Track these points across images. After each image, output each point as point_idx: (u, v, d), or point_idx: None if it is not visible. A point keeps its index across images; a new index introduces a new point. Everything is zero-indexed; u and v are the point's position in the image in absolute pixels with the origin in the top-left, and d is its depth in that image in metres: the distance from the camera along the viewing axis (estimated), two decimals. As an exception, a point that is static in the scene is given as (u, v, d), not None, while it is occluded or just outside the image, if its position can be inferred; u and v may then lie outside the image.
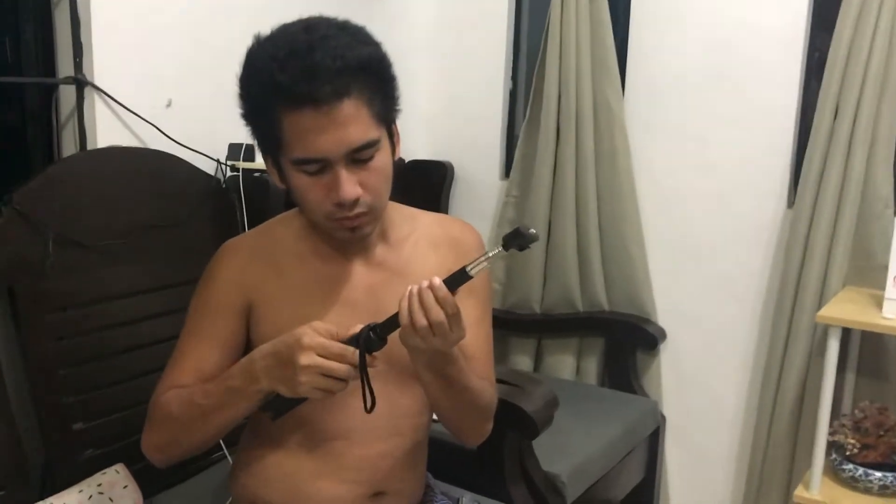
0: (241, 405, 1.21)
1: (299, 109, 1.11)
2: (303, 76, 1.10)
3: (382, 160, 1.20)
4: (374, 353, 1.11)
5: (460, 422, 1.36)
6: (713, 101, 2.34)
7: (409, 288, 1.10)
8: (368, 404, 1.11)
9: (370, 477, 1.35)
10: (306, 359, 1.08)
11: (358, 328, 1.11)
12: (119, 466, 1.65)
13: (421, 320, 1.08)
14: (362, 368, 1.10)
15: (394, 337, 1.29)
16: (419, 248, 1.38)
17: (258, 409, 1.18)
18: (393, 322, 1.11)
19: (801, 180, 2.16)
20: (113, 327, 1.75)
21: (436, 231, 1.41)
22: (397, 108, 1.23)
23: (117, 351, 1.76)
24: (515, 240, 1.06)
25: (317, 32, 1.13)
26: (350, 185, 1.16)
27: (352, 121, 1.13)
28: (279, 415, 1.18)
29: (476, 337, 1.36)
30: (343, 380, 1.10)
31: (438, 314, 1.08)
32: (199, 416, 1.24)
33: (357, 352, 1.09)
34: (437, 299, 1.08)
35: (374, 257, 1.34)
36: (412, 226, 1.39)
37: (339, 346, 1.09)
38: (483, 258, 1.08)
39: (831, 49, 2.08)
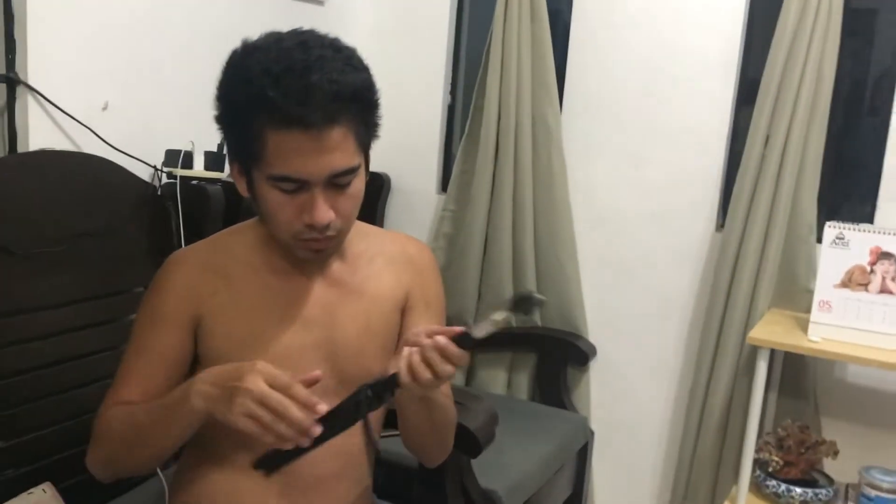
0: (175, 424, 1.18)
1: (287, 129, 1.10)
2: (297, 97, 1.08)
3: (358, 186, 1.21)
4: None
5: (434, 442, 1.38)
6: (648, 122, 2.41)
7: (406, 350, 1.10)
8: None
9: (318, 498, 1.33)
10: (251, 382, 1.05)
11: (317, 373, 1.10)
12: (46, 485, 1.58)
13: (425, 375, 1.08)
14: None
15: (346, 354, 1.31)
16: (375, 265, 1.38)
17: (252, 467, 1.16)
18: (390, 381, 1.10)
19: (731, 204, 2.24)
20: (41, 338, 1.67)
21: (391, 249, 1.41)
22: (377, 134, 1.24)
23: (45, 363, 1.68)
24: (523, 304, 1.07)
25: (313, 52, 1.11)
26: (325, 209, 1.16)
27: (338, 147, 1.13)
28: (272, 470, 1.14)
29: None
30: (279, 417, 1.04)
31: (447, 369, 1.08)
32: (137, 434, 1.22)
33: (298, 390, 1.06)
34: (445, 357, 1.07)
35: (331, 273, 1.34)
36: (367, 243, 1.39)
37: (286, 379, 1.06)
38: (490, 323, 1.07)
39: (763, 78, 2.17)
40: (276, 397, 1.04)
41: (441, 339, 1.07)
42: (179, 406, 1.15)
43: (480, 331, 1.07)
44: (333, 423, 1.10)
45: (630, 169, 2.45)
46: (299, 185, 1.15)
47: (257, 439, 1.23)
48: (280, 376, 1.06)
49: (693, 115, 2.35)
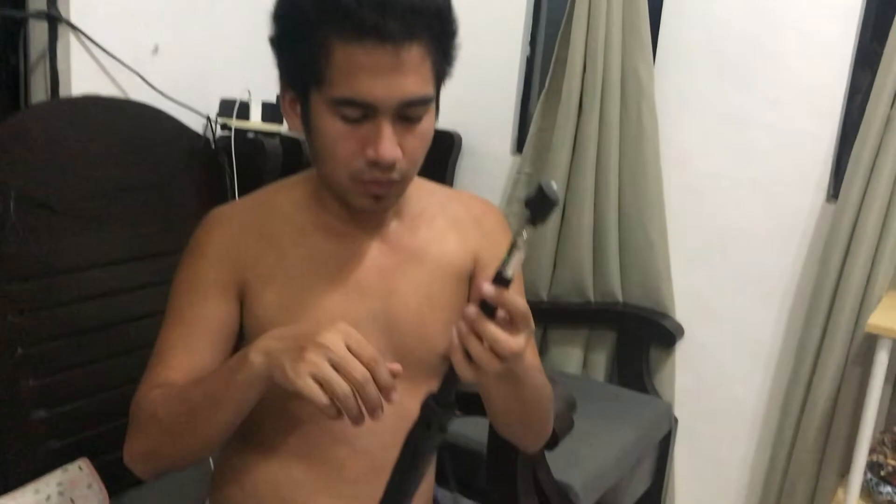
0: (230, 398, 1.01)
1: (360, 41, 0.95)
2: (373, 3, 0.94)
3: (429, 125, 1.05)
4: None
5: (530, 425, 1.20)
6: (752, 77, 2.17)
7: (452, 336, 0.87)
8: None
9: (374, 492, 1.14)
10: (330, 339, 0.89)
11: (396, 366, 0.92)
12: (83, 462, 1.49)
13: (492, 363, 0.86)
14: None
15: (406, 328, 1.14)
16: (436, 227, 1.22)
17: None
18: (451, 378, 0.88)
19: (847, 172, 1.99)
20: (83, 301, 1.58)
21: (455, 209, 1.25)
22: (451, 72, 1.08)
23: (87, 328, 1.59)
24: (540, 205, 0.79)
25: None
26: (392, 143, 1.01)
27: (414, 69, 0.98)
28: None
29: None
30: (350, 390, 0.88)
31: (508, 341, 0.85)
32: (186, 413, 1.05)
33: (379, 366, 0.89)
34: (497, 316, 0.85)
35: (388, 235, 1.18)
36: (428, 201, 1.23)
37: (373, 350, 0.90)
38: (513, 250, 0.82)
39: (894, 27, 1.90)
40: (358, 366, 0.88)
41: (486, 288, 0.82)
42: (235, 372, 0.98)
43: (511, 266, 0.82)
44: (406, 464, 0.91)
45: (730, 130, 2.21)
46: (365, 113, 1.00)
47: (306, 422, 1.14)
48: (366, 344, 0.90)
49: (805, 69, 2.11)
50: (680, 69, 2.26)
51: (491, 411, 1.16)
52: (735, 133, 2.20)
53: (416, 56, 0.97)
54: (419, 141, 1.04)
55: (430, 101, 1.03)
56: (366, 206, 1.09)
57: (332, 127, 1.02)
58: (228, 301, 1.14)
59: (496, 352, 0.85)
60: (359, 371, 0.88)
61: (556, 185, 0.79)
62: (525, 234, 0.81)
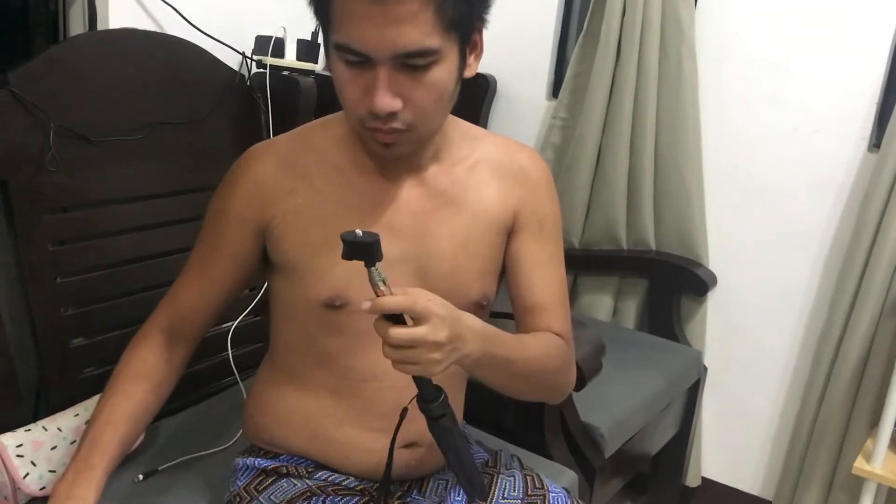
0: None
1: None
2: None
3: (440, 75, 0.99)
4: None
5: (536, 394, 1.25)
6: (796, 23, 2.08)
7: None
8: None
9: (403, 425, 1.19)
10: None
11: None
12: (120, 389, 1.49)
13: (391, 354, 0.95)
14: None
15: (439, 272, 1.15)
16: (477, 174, 1.19)
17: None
18: (423, 382, 0.99)
19: (891, 121, 1.92)
20: (119, 233, 1.60)
21: (500, 157, 1.21)
22: (483, 14, 1.03)
23: (123, 260, 1.61)
24: (361, 251, 0.88)
25: None
26: (388, 94, 0.97)
27: (408, 20, 0.93)
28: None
29: (546, 281, 1.21)
30: None
31: (388, 335, 0.93)
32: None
33: None
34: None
35: (425, 179, 1.16)
36: (472, 147, 1.20)
37: None
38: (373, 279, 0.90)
39: None
40: None
41: (363, 305, 0.91)
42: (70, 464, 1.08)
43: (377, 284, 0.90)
44: (446, 445, 1.05)
45: (771, 76, 2.13)
46: (363, 60, 0.97)
47: (337, 357, 1.18)
48: None
49: (851, 16, 2.02)
50: (721, 13, 2.17)
51: (497, 389, 1.17)
52: (776, 80, 2.12)
53: (411, 6, 0.92)
54: (427, 91, 0.99)
55: (434, 53, 0.97)
56: (377, 151, 1.07)
57: (339, 71, 1.00)
58: (246, 233, 1.16)
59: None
60: None
61: (359, 230, 0.86)
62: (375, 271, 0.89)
